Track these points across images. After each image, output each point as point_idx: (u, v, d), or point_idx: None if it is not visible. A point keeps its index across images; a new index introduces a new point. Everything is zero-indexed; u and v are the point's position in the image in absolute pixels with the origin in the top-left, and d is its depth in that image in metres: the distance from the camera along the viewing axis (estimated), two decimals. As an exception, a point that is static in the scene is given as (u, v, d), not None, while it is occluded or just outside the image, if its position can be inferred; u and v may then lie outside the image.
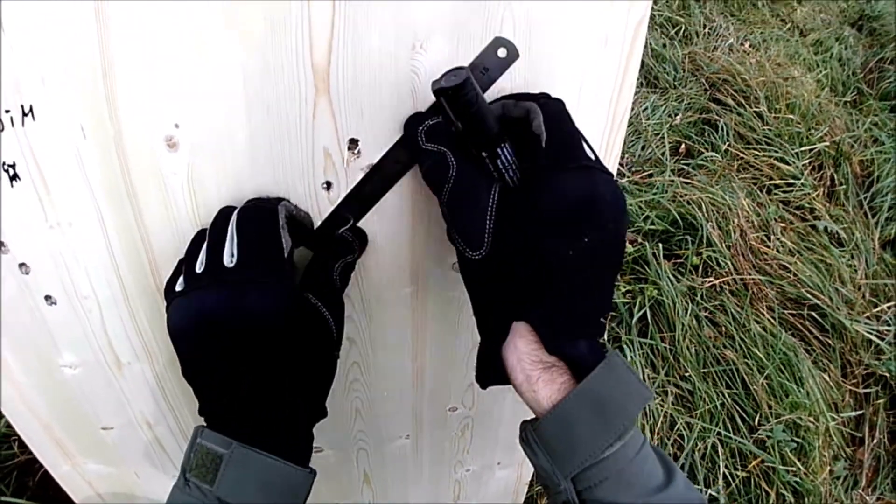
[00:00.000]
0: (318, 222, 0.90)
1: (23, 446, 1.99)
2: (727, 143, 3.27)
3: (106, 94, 0.79)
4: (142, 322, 1.01)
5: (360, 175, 0.87)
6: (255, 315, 0.72)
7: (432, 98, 0.81)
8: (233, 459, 0.70)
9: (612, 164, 0.93)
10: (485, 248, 0.72)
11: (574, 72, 0.84)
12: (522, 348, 0.73)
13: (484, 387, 0.85)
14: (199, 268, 0.75)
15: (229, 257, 0.73)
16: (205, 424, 0.75)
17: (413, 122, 0.79)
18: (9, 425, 1.95)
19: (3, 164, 0.84)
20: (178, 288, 0.76)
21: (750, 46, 4.01)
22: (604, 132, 0.90)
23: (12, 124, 0.81)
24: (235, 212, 0.78)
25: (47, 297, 0.97)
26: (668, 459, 0.73)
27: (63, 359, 1.06)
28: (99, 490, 1.36)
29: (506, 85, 0.82)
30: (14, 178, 0.85)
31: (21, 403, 1.14)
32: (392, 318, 1.04)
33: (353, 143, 0.85)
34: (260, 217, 0.77)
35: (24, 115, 0.80)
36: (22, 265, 0.93)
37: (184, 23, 0.75)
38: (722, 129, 3.35)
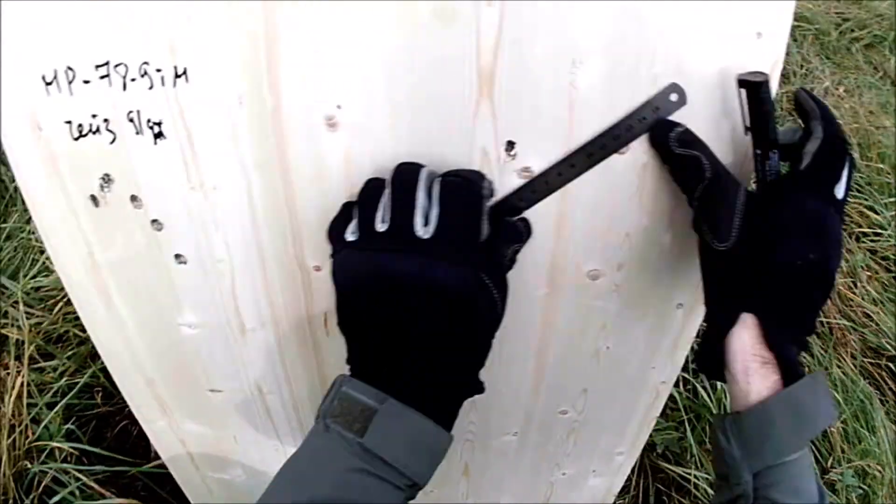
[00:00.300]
0: None
1: (106, 398, 2.03)
2: (819, 187, 3.19)
3: (268, 66, 0.80)
4: (274, 291, 1.02)
5: (514, 177, 0.89)
6: (442, 289, 0.74)
7: (588, 108, 0.84)
8: (386, 413, 0.71)
9: None
10: (731, 241, 0.81)
11: (714, 101, 0.85)
12: (746, 339, 0.81)
13: (702, 371, 0.92)
14: (380, 225, 0.76)
15: (422, 227, 0.75)
16: (348, 374, 0.78)
17: (662, 130, 0.84)
18: (93, 376, 1.99)
19: (149, 120, 0.85)
20: (349, 237, 0.78)
21: (844, 91, 3.94)
22: (738, 162, 0.90)
23: (162, 83, 0.82)
24: (435, 179, 0.79)
25: (178, 256, 0.98)
26: (820, 482, 0.80)
27: (184, 318, 1.07)
28: (191, 449, 1.38)
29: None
30: (159, 135, 0.86)
31: (127, 356, 1.16)
32: (523, 316, 1.04)
33: (511, 145, 0.86)
34: (466, 196, 0.79)
35: (178, 76, 0.81)
36: (154, 221, 0.95)
37: (355, 6, 0.77)
38: (815, 172, 3.25)
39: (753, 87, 0.80)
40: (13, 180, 2.74)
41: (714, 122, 0.86)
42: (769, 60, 0.83)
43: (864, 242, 3.06)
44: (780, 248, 0.79)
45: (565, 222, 0.93)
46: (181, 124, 0.85)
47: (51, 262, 2.30)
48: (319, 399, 1.17)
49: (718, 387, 2.29)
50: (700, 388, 2.26)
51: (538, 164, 0.88)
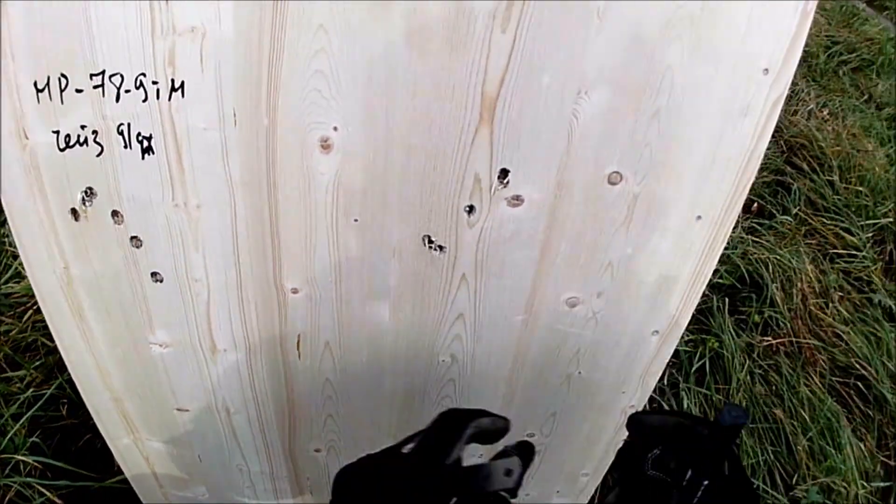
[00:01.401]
0: (453, 246, 0.92)
1: (71, 410, 1.99)
2: (798, 207, 3.25)
3: (268, 86, 0.80)
4: (249, 312, 1.01)
5: (503, 204, 0.89)
6: None
7: (586, 138, 0.84)
8: None
9: (728, 226, 0.94)
10: None
11: (712, 137, 0.86)
12: None
13: None
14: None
15: None
16: None
17: (633, 451, 0.83)
18: (59, 387, 1.96)
19: (139, 134, 0.84)
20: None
21: (828, 114, 3.97)
22: (726, 197, 0.91)
23: (157, 97, 0.81)
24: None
25: (154, 274, 0.97)
26: None
27: (155, 336, 1.06)
28: (155, 467, 1.36)
29: (652, 140, 0.85)
30: (147, 150, 0.85)
31: (96, 372, 1.14)
32: (498, 342, 1.05)
33: (504, 173, 0.86)
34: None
35: (174, 90, 0.80)
36: (134, 238, 0.93)
37: (364, 31, 0.76)
38: (795, 193, 3.33)
39: (734, 430, 0.80)
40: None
41: (710, 155, 0.87)
42: (773, 95, 0.83)
43: (837, 263, 3.09)
44: None
45: (549, 251, 0.93)
46: (171, 139, 0.84)
47: (23, 269, 2.26)
48: (287, 419, 1.19)
49: (684, 405, 2.32)
50: (665, 407, 2.27)
51: (529, 194, 0.88)
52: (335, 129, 0.82)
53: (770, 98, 0.83)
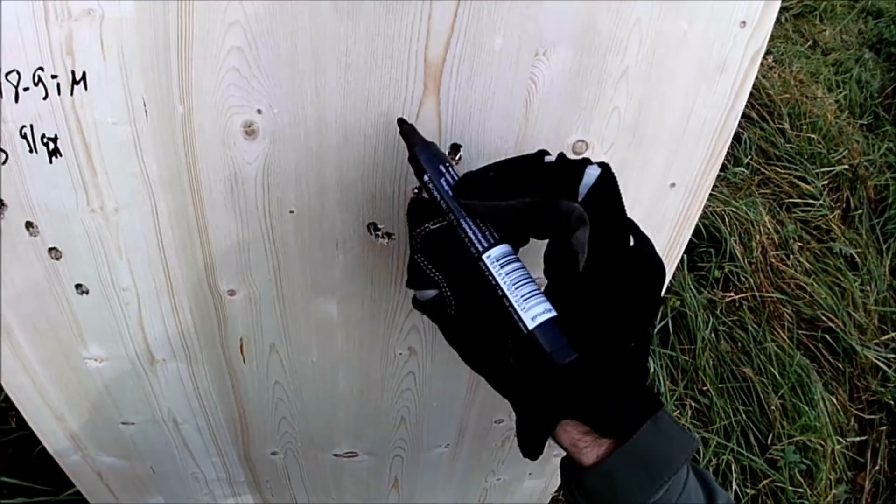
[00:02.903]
0: (402, 233, 0.85)
1: (20, 423, 1.94)
2: (749, 157, 3.25)
3: (179, 68, 0.72)
4: (185, 319, 0.95)
5: None
6: None
7: (546, 105, 0.77)
8: None
9: (704, 192, 0.90)
10: None
11: (687, 96, 0.80)
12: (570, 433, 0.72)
13: (534, 458, 0.80)
14: None
15: None
16: None
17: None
18: (7, 399, 1.90)
19: (43, 136, 0.76)
20: None
21: (773, 61, 3.97)
22: (702, 161, 0.86)
23: (58, 92, 0.73)
24: None
25: (78, 286, 0.91)
26: (709, 482, 0.73)
27: (88, 351, 1.00)
28: (109, 482, 1.32)
29: (620, 103, 0.78)
30: (54, 153, 0.77)
31: (34, 392, 1.08)
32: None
33: (455, 148, 0.79)
34: None
35: (75, 82, 0.72)
36: (52, 250, 0.86)
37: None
38: (745, 143, 3.32)
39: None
40: None
41: (684, 117, 0.82)
42: (751, 50, 0.78)
43: (794, 213, 3.09)
44: None
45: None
46: (79, 139, 0.76)
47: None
48: (238, 426, 1.14)
49: (651, 368, 2.29)
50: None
51: (486, 171, 0.81)
52: (259, 111, 0.75)
53: (748, 53, 0.78)
